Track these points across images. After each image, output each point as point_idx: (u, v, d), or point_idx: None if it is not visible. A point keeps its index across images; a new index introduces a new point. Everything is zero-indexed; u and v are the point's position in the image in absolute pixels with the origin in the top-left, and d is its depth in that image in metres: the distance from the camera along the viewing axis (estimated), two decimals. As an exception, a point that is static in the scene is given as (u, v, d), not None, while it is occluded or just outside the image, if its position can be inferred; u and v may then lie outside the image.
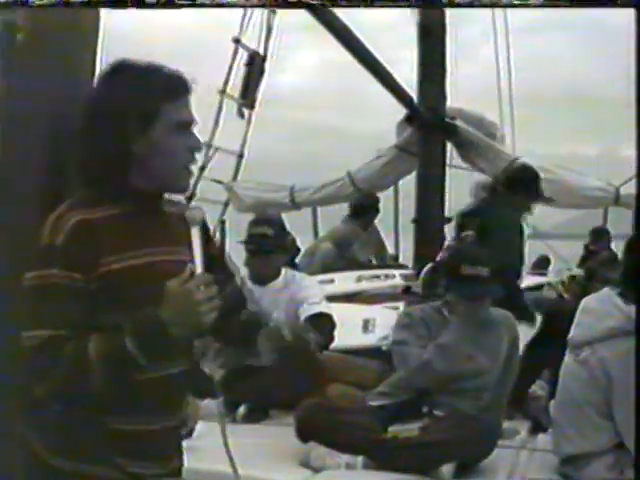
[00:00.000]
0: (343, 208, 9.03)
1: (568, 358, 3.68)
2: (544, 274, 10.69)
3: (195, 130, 2.12)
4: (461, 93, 8.96)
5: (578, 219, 9.85)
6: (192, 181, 2.13)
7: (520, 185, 6.08)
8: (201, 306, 1.91)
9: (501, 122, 11.14)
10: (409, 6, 6.62)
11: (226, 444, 2.22)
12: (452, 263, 4.18)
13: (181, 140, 2.09)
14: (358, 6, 2.38)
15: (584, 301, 3.75)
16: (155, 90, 2.07)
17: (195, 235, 2.00)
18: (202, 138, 2.16)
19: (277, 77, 9.65)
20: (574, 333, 3.67)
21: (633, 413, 2.77)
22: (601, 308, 3.62)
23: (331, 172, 9.84)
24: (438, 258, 4.53)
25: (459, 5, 2.40)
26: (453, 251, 4.27)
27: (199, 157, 2.16)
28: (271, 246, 5.02)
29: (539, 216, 10.72)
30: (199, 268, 1.97)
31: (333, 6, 4.91)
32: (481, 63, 12.80)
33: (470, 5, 2.39)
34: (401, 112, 8.37)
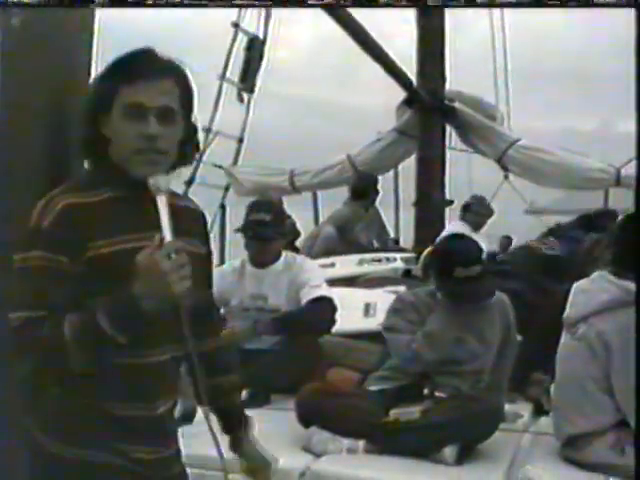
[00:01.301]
0: (343, 191, 9.02)
1: (564, 338, 3.69)
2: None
3: (152, 117, 2.02)
4: (457, 69, 8.93)
5: (577, 195, 9.82)
6: (153, 170, 2.01)
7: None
8: (170, 275, 1.85)
9: (496, 98, 11.16)
10: (411, 6, 6.61)
11: (211, 429, 2.17)
12: (444, 264, 4.07)
13: (132, 125, 2.02)
14: (361, 6, 2.37)
15: (576, 284, 3.76)
16: (113, 73, 2.06)
17: (161, 203, 1.95)
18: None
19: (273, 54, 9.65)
20: (569, 313, 3.67)
21: (632, 385, 2.79)
22: (594, 286, 3.64)
23: (331, 150, 9.84)
24: (435, 243, 4.50)
25: (461, 5, 2.38)
26: (445, 251, 4.21)
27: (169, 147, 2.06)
28: (269, 232, 4.98)
29: (538, 191, 10.72)
30: (167, 236, 1.91)
31: (337, 6, 4.89)
32: (477, 39, 12.75)
33: (470, 5, 2.37)
34: (398, 88, 8.35)
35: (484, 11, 11.47)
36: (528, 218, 12.04)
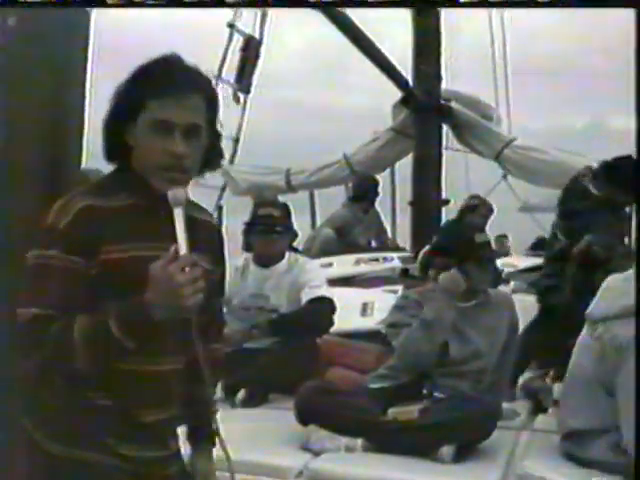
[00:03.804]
0: (341, 194, 9.04)
1: (585, 333, 3.63)
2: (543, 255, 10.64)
3: (180, 134, 2.03)
4: (455, 67, 8.95)
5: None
6: (175, 187, 2.00)
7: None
8: (184, 288, 1.87)
9: (495, 95, 11.18)
10: (407, 5, 6.62)
11: (217, 430, 2.18)
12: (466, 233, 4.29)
13: (159, 140, 2.03)
14: (356, 5, 2.37)
15: (608, 279, 3.68)
16: (141, 82, 2.06)
17: (178, 216, 1.95)
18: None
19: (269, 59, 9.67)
20: (593, 309, 3.60)
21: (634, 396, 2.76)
22: (622, 286, 3.55)
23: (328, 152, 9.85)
24: (434, 240, 4.50)
25: (457, 5, 2.38)
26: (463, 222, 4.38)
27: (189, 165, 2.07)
28: (278, 226, 5.04)
29: (530, 190, 10.75)
30: (183, 249, 1.91)
31: (334, 5, 4.89)
32: (473, 38, 12.77)
33: (468, 5, 2.37)
34: (392, 89, 8.37)
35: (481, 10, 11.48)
36: (524, 217, 12.04)
